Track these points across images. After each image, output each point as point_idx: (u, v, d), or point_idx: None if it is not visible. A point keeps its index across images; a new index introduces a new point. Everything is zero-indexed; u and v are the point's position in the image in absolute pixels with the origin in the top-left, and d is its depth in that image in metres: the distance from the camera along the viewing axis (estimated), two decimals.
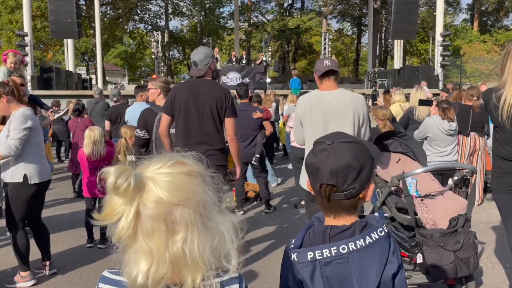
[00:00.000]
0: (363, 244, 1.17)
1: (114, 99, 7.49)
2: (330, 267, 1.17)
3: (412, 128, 5.69)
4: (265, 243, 4.77)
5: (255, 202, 6.58)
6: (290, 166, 8.73)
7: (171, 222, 0.92)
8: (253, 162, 5.96)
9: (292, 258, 1.21)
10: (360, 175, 1.20)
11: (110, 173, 0.91)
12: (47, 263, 3.93)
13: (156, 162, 0.97)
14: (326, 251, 1.16)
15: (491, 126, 3.03)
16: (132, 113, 5.45)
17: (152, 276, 0.91)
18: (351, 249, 1.16)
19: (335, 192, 1.19)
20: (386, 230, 1.21)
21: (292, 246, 1.24)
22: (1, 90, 3.49)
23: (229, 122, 3.60)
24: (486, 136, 6.13)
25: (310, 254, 1.18)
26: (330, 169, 1.19)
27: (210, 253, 0.94)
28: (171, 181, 0.93)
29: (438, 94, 11.96)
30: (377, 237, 1.18)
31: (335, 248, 1.17)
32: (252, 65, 20.61)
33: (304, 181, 3.25)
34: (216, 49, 19.83)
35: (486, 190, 6.26)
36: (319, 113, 3.18)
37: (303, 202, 6.18)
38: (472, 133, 5.92)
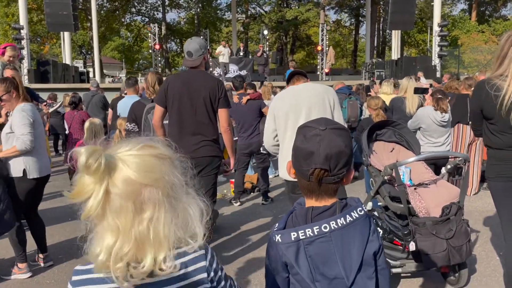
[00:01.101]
0: (344, 223, 1.21)
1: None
2: (314, 246, 1.21)
3: (395, 118, 5.63)
4: (261, 233, 4.79)
5: (252, 193, 6.60)
6: None
7: (139, 202, 0.95)
8: (262, 151, 5.95)
9: (276, 240, 1.24)
10: (348, 161, 1.25)
11: (81, 153, 0.92)
12: (43, 255, 3.95)
13: (126, 145, 0.99)
14: (309, 231, 1.20)
15: None
16: (124, 106, 5.45)
17: (115, 253, 0.93)
18: (332, 228, 1.20)
19: (326, 176, 1.23)
20: (365, 210, 1.26)
21: (276, 229, 1.28)
22: (9, 85, 3.50)
23: (222, 113, 3.60)
24: None
25: (294, 234, 1.21)
26: (326, 154, 1.22)
27: (174, 232, 0.97)
28: (140, 162, 0.96)
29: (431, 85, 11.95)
30: (357, 215, 1.23)
31: (317, 227, 1.20)
32: (250, 56, 20.55)
33: (284, 170, 3.24)
34: (223, 43, 19.56)
35: (483, 179, 6.26)
36: (296, 104, 3.19)
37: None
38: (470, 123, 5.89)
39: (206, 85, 3.53)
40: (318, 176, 1.23)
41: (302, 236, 1.20)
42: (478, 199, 5.95)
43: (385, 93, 6.61)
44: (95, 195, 0.93)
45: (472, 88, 5.79)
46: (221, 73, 18.27)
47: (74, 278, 1.04)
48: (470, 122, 5.85)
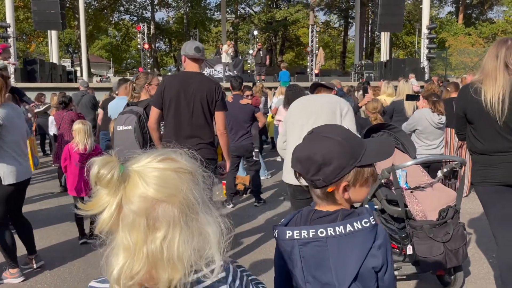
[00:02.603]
0: (343, 231, 1.18)
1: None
2: (308, 248, 1.20)
3: (396, 120, 5.72)
4: (255, 236, 4.77)
5: (244, 195, 6.58)
6: (278, 158, 8.75)
7: (153, 218, 0.90)
8: (254, 158, 5.94)
9: (274, 234, 1.27)
10: (323, 170, 1.20)
11: (95, 163, 0.89)
12: (32, 256, 3.88)
13: (147, 156, 0.95)
14: (304, 232, 1.20)
15: None
16: (115, 107, 5.32)
17: (126, 271, 0.89)
18: (329, 234, 1.18)
19: (304, 178, 1.26)
20: (373, 222, 1.20)
21: (279, 224, 1.30)
22: None
23: (219, 116, 3.57)
24: None
25: (289, 233, 1.22)
26: (295, 157, 1.27)
27: (190, 254, 0.91)
28: (158, 177, 0.91)
29: (423, 86, 12.07)
30: (360, 226, 1.18)
31: (314, 230, 1.19)
32: (240, 57, 20.49)
33: (288, 175, 3.29)
34: (229, 42, 19.29)
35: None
36: (306, 112, 3.29)
37: None
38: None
39: (204, 87, 3.50)
40: (297, 176, 1.27)
41: (296, 236, 1.20)
42: (469, 201, 6.01)
43: (390, 95, 6.67)
44: (108, 207, 0.90)
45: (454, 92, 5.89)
46: (224, 72, 18.07)
47: None
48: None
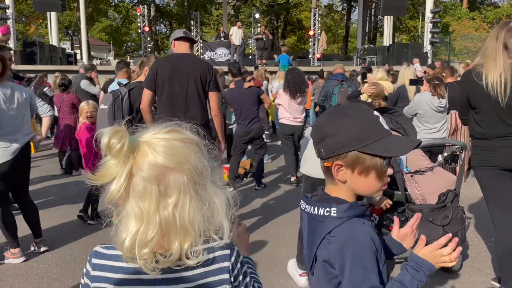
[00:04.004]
0: (311, 212, 1.24)
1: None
2: (302, 215, 1.33)
3: (401, 106, 5.69)
4: (254, 218, 4.80)
5: (245, 179, 6.60)
6: (279, 143, 8.74)
7: (164, 186, 0.92)
8: (265, 140, 5.94)
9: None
10: (325, 141, 1.20)
11: (105, 133, 0.90)
12: (38, 240, 3.89)
13: (153, 129, 0.97)
14: (302, 202, 1.31)
15: None
16: None
17: (140, 238, 0.91)
18: (303, 208, 1.29)
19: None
20: (338, 216, 1.17)
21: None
22: None
23: (212, 96, 3.56)
24: None
25: (301, 201, 1.33)
26: (314, 124, 1.31)
27: (200, 220, 0.94)
28: (166, 145, 0.93)
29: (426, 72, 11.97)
30: (321, 213, 1.20)
31: (302, 202, 1.31)
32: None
33: (309, 167, 3.05)
34: (238, 23, 19.00)
35: (470, 166, 6.32)
36: None
37: (292, 179, 6.23)
38: (452, 111, 5.86)
39: (197, 68, 3.50)
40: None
41: (300, 204, 1.33)
42: (468, 186, 6.01)
43: (381, 79, 6.60)
44: (118, 177, 0.91)
45: (458, 75, 5.84)
46: (232, 54, 17.85)
47: (95, 261, 1.00)
48: (451, 111, 5.91)
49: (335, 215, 1.18)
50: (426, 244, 1.27)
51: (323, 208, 1.20)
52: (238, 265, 1.03)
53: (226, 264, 1.00)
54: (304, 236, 1.31)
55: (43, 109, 3.86)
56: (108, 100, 3.78)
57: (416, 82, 5.75)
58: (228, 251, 1.01)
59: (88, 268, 1.00)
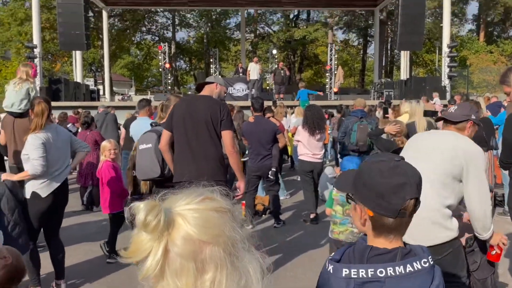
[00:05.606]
0: (403, 272, 1.14)
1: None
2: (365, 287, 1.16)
3: None
4: (274, 257, 4.69)
5: (263, 215, 6.54)
6: (298, 178, 8.69)
7: (201, 261, 0.88)
8: (269, 176, 5.90)
9: (328, 269, 1.21)
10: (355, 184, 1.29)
11: (140, 209, 0.87)
12: (59, 282, 3.90)
13: (185, 197, 0.93)
14: (362, 271, 1.15)
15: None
16: (137, 127, 5.41)
17: None
18: (389, 274, 1.13)
19: (416, 206, 1.20)
20: (431, 262, 1.16)
21: (330, 258, 1.24)
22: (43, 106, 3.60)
23: (225, 135, 3.60)
24: (493, 150, 5.97)
25: (346, 271, 1.17)
26: (417, 183, 1.19)
27: None
28: (200, 217, 0.89)
29: (446, 106, 11.89)
30: (419, 267, 1.14)
31: (372, 270, 1.15)
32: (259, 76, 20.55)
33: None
34: (256, 59, 19.21)
35: (495, 204, 6.13)
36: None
37: (312, 216, 6.15)
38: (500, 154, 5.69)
39: (207, 108, 3.59)
40: (410, 207, 1.18)
41: (354, 275, 1.15)
42: (496, 226, 5.82)
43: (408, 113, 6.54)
44: (153, 254, 0.87)
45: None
46: (250, 89, 18.02)
47: None
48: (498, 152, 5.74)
49: (427, 264, 1.16)
50: None
51: (417, 262, 1.15)
52: None
53: None
54: None
55: (83, 145, 4.11)
56: (152, 139, 3.85)
57: (432, 114, 5.67)
58: None
59: None
